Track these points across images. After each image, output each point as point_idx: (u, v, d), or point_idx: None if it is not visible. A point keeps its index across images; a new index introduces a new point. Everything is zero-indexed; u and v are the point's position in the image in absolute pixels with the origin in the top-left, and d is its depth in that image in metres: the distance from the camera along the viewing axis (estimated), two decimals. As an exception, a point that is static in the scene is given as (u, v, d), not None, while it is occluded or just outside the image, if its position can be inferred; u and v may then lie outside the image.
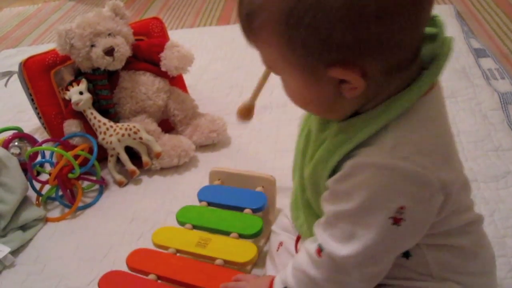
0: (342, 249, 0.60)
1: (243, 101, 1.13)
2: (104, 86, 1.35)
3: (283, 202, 1.08)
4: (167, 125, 1.44)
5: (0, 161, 1.22)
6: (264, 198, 1.03)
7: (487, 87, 1.43)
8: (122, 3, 1.38)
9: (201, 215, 1.03)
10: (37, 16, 2.89)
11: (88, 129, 1.34)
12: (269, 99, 1.55)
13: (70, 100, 1.31)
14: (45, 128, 1.44)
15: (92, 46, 1.30)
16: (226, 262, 0.91)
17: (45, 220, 1.24)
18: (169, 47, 1.39)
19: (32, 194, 1.29)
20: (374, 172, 0.56)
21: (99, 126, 1.30)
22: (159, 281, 0.89)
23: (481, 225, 0.71)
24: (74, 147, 1.31)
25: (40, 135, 1.56)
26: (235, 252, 0.92)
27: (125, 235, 1.15)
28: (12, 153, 1.32)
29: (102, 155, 1.33)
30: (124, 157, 1.31)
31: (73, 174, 1.24)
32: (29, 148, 1.37)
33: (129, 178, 1.33)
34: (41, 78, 1.37)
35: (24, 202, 1.24)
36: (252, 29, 0.57)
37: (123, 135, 1.29)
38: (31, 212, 1.22)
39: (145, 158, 1.31)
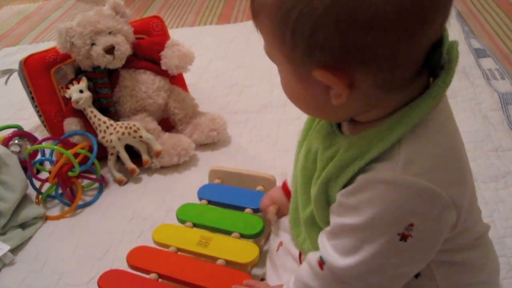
0: (343, 260, 0.59)
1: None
2: (105, 84, 1.35)
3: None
4: (167, 124, 1.44)
5: (0, 159, 1.22)
6: None
7: (487, 87, 1.43)
8: (123, 2, 1.38)
9: (202, 214, 1.03)
10: (38, 14, 2.89)
11: (88, 127, 1.34)
12: (269, 99, 1.55)
13: (70, 98, 1.31)
14: (45, 126, 1.44)
15: (93, 44, 1.30)
16: (228, 262, 0.91)
17: (45, 218, 1.24)
18: (170, 46, 1.39)
19: (32, 192, 1.29)
20: (386, 189, 0.54)
21: (99, 125, 1.30)
22: (160, 279, 0.89)
23: (488, 234, 0.71)
24: (74, 145, 1.30)
25: (40, 133, 1.56)
26: (237, 252, 0.92)
27: (125, 234, 1.15)
28: (12, 151, 1.32)
29: (102, 153, 1.32)
30: (124, 155, 1.31)
31: (73, 173, 1.24)
32: (29, 146, 1.37)
33: (129, 177, 1.33)
34: (42, 76, 1.37)
35: (24, 200, 1.24)
36: (253, 10, 0.56)
37: (123, 133, 1.29)
38: (31, 210, 1.22)
39: (145, 157, 1.31)
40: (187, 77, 1.52)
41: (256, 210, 1.01)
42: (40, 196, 1.29)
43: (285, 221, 0.91)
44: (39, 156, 1.37)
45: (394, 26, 0.48)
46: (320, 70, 0.51)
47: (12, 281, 1.07)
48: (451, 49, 0.56)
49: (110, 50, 1.29)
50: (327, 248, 0.61)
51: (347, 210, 0.58)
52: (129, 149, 1.33)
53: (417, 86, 0.56)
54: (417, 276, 0.64)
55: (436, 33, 0.52)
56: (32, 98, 1.41)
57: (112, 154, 1.32)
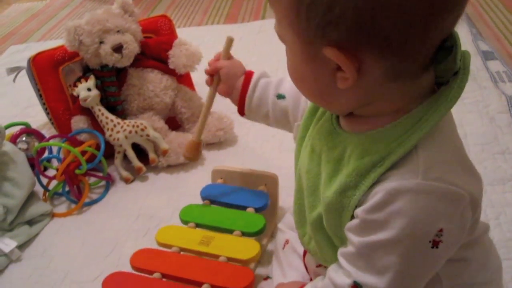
0: (380, 280, 0.57)
1: (189, 139, 1.05)
2: (112, 83, 1.36)
3: (287, 200, 1.08)
4: (174, 123, 1.44)
5: (7, 156, 1.23)
6: (266, 197, 1.03)
7: (495, 90, 1.42)
8: (131, 0, 1.39)
9: (204, 214, 1.03)
10: (46, 12, 2.90)
11: (96, 125, 1.34)
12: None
13: (78, 96, 1.32)
14: (52, 123, 1.45)
15: (101, 43, 1.30)
16: (229, 259, 0.91)
17: (52, 215, 1.25)
18: (177, 45, 1.39)
19: (39, 189, 1.30)
20: (412, 198, 0.53)
21: (107, 123, 1.31)
22: (163, 279, 0.90)
23: (488, 233, 0.71)
24: (81, 143, 1.31)
25: (48, 131, 1.56)
26: (238, 250, 0.92)
27: (131, 232, 1.15)
28: (20, 148, 1.33)
29: (109, 151, 1.33)
30: (131, 154, 1.32)
31: (80, 170, 1.25)
32: (36, 144, 1.38)
33: (136, 175, 1.34)
34: (50, 74, 1.38)
35: (31, 197, 1.24)
36: None
37: (130, 132, 1.29)
38: (38, 207, 1.22)
39: (151, 155, 1.32)
40: (194, 77, 1.53)
41: (258, 209, 1.01)
42: (47, 193, 1.30)
43: (291, 218, 0.91)
44: (46, 154, 1.38)
45: (410, 11, 0.47)
46: (331, 48, 0.51)
47: (18, 277, 1.08)
48: (465, 56, 0.56)
49: (118, 48, 1.29)
50: (360, 273, 0.59)
51: (375, 226, 0.56)
52: (136, 147, 1.33)
53: (423, 84, 0.56)
54: None
55: (447, 29, 0.52)
56: (40, 95, 1.41)
57: (119, 152, 1.33)
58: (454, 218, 0.55)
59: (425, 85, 0.56)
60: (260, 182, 1.06)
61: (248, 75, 0.92)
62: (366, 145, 0.58)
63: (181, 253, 0.95)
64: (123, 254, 1.08)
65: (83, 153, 1.27)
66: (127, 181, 1.32)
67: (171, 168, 1.34)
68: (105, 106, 1.34)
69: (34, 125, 1.53)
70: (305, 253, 0.84)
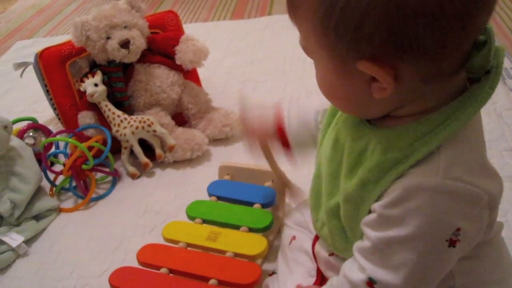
0: (395, 276, 0.57)
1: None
2: (119, 78, 1.36)
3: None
4: (180, 119, 1.44)
5: (15, 151, 1.23)
6: (273, 193, 1.03)
7: (503, 87, 1.42)
8: (138, -4, 1.39)
9: (211, 210, 1.03)
10: (52, 7, 2.90)
11: (103, 121, 1.35)
12: (282, 94, 1.55)
13: (85, 92, 1.32)
14: (59, 119, 1.46)
15: (108, 38, 1.30)
16: (236, 255, 0.91)
17: (59, 210, 1.25)
18: (184, 41, 1.39)
19: (46, 184, 1.30)
20: (431, 196, 0.53)
21: (113, 118, 1.31)
22: (171, 274, 0.90)
23: (500, 232, 0.70)
24: (88, 138, 1.31)
25: (55, 126, 1.57)
26: (245, 245, 0.92)
27: (138, 227, 1.16)
28: (27, 143, 1.34)
29: (116, 147, 1.33)
30: (138, 149, 1.32)
31: (87, 166, 1.25)
32: (43, 139, 1.38)
33: (142, 171, 1.34)
34: (57, 69, 1.38)
35: (38, 192, 1.25)
36: (292, 4, 0.55)
37: (137, 127, 1.29)
38: (45, 202, 1.23)
39: (158, 151, 1.32)
40: (201, 72, 1.53)
41: (265, 205, 1.01)
42: (54, 189, 1.30)
43: (299, 215, 0.91)
44: (53, 149, 1.38)
45: (446, 16, 0.46)
46: (366, 62, 0.50)
47: (25, 272, 1.09)
48: (498, 53, 0.54)
49: (125, 44, 1.29)
50: (375, 269, 0.59)
51: (392, 222, 0.56)
52: (143, 143, 1.33)
53: (456, 84, 0.55)
54: None
55: (483, 24, 0.51)
56: (47, 91, 1.42)
57: (125, 147, 1.33)
58: (472, 218, 0.55)
59: (457, 84, 0.55)
60: (266, 179, 1.06)
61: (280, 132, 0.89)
62: (391, 140, 0.58)
63: (188, 248, 0.96)
64: (130, 249, 1.08)
65: (90, 148, 1.27)
66: (133, 176, 1.33)
67: (177, 164, 1.34)
68: (112, 101, 1.34)
69: (41, 121, 1.53)
70: (314, 241, 0.83)
